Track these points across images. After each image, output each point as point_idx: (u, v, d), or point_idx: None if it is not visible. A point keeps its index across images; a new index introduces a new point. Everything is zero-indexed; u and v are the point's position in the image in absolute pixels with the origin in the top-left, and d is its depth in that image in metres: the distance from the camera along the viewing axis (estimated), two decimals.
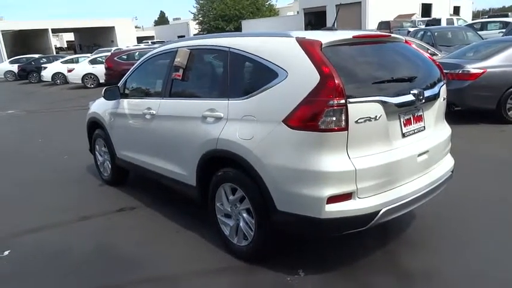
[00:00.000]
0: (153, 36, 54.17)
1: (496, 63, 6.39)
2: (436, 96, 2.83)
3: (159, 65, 3.78)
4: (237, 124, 2.69)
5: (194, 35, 46.90)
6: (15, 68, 24.29)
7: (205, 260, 3.01)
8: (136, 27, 58.39)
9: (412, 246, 3.01)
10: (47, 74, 19.87)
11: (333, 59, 2.38)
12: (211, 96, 3.03)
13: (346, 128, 2.30)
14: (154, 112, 3.54)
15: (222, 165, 2.89)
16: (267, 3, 49.83)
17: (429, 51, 8.41)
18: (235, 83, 2.85)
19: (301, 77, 2.40)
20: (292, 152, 2.39)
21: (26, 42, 42.16)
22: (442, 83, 2.94)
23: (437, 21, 21.43)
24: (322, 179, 2.31)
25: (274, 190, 2.48)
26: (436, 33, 12.12)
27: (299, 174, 2.36)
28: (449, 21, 21.73)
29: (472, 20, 29.16)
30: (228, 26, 45.17)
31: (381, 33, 3.06)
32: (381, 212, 2.40)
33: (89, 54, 22.24)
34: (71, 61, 20.05)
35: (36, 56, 26.22)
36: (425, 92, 2.67)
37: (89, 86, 17.25)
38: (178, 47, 3.42)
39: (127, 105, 4.05)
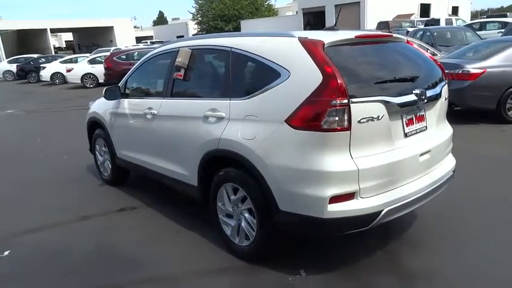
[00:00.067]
0: (152, 36, 54.12)
1: (495, 63, 6.40)
2: (437, 96, 2.83)
3: (160, 65, 3.77)
4: (239, 124, 2.68)
5: (193, 35, 46.87)
6: (13, 67, 24.25)
7: (206, 260, 3.01)
8: (135, 27, 58.35)
9: (413, 246, 3.01)
10: (45, 73, 19.84)
11: (335, 59, 2.38)
12: (213, 96, 3.02)
13: (348, 128, 2.30)
14: (155, 112, 3.53)
15: (224, 165, 2.88)
16: (266, 3, 49.87)
17: (429, 51, 8.42)
18: (237, 82, 2.85)
19: (303, 76, 2.39)
20: (294, 152, 2.38)
21: (24, 42, 42.08)
22: (443, 83, 2.94)
23: (436, 21, 21.47)
24: (324, 178, 2.30)
25: (277, 190, 2.48)
26: (435, 33, 12.14)
27: (301, 174, 2.36)
28: (448, 21, 21.77)
29: (471, 20, 29.24)
30: (227, 26, 45.17)
31: (383, 33, 3.06)
32: (383, 212, 2.40)
33: (88, 54, 22.21)
34: (70, 61, 20.03)
35: (35, 55, 26.17)
36: (427, 92, 2.67)
37: (88, 86, 17.22)
38: (179, 47, 3.41)
39: (128, 105, 4.04)
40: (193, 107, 3.12)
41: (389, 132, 2.50)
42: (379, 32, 3.66)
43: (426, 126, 2.77)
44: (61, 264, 3.11)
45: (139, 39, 46.24)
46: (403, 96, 2.53)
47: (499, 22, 16.79)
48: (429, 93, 2.70)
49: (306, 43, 2.47)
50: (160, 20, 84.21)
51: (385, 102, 2.43)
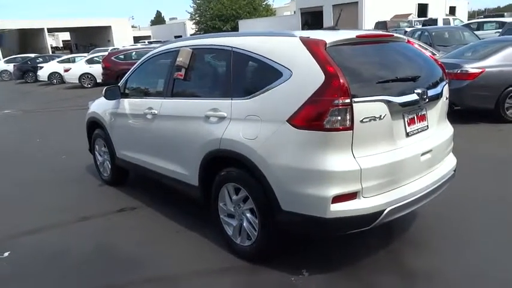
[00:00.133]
0: (150, 36, 54.02)
1: (494, 63, 6.42)
2: (439, 96, 2.83)
3: (160, 64, 3.76)
4: (241, 124, 2.68)
5: (191, 35, 46.81)
6: (10, 67, 24.14)
7: (207, 260, 3.00)
8: (132, 26, 58.27)
9: (414, 245, 3.02)
10: (43, 73, 19.74)
11: (337, 59, 2.38)
12: (214, 96, 3.01)
13: (351, 128, 2.30)
14: (155, 112, 3.52)
15: (225, 165, 2.88)
16: (264, 3, 49.83)
17: (428, 51, 8.43)
18: (238, 82, 2.84)
19: (305, 76, 2.39)
20: (297, 152, 2.38)
21: (21, 41, 41.92)
22: (444, 82, 2.95)
23: (434, 21, 21.53)
24: (327, 178, 2.30)
25: (279, 190, 2.48)
26: (433, 33, 12.18)
27: (304, 173, 2.36)
28: (446, 21, 21.84)
29: (468, 20, 29.33)
30: (225, 25, 45.11)
31: (384, 33, 3.07)
32: (385, 212, 2.40)
33: (85, 54, 22.12)
34: (68, 61, 19.94)
35: (32, 55, 26.07)
36: (428, 91, 2.67)
37: (85, 85, 17.16)
38: (180, 47, 3.40)
39: (128, 105, 4.03)
40: (194, 107, 3.12)
41: (391, 132, 2.50)
42: (380, 32, 3.66)
43: (427, 126, 2.78)
44: (61, 265, 3.10)
45: (137, 39, 46.15)
46: (405, 96, 2.53)
47: (497, 22, 16.86)
48: (430, 92, 2.70)
49: (307, 43, 2.47)
50: (158, 19, 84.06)
51: (387, 102, 2.43)
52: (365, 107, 2.34)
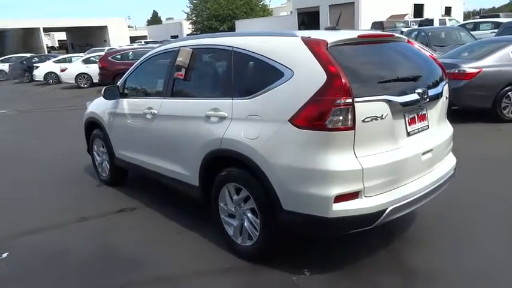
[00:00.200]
0: (146, 36, 53.90)
1: (491, 62, 6.46)
2: (439, 96, 2.85)
3: (159, 64, 3.75)
4: (242, 124, 2.68)
5: (188, 35, 46.75)
6: (6, 67, 24.00)
7: (208, 260, 3.00)
8: (129, 26, 58.06)
9: (415, 245, 3.03)
10: (39, 73, 19.67)
11: (339, 59, 2.38)
12: (214, 96, 3.01)
13: (353, 127, 2.30)
14: (155, 112, 3.51)
15: (226, 165, 2.87)
16: (261, 3, 49.86)
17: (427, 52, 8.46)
18: (239, 82, 2.84)
19: (307, 76, 2.39)
20: (298, 151, 2.38)
21: (17, 41, 41.68)
22: (444, 82, 2.96)
23: (430, 22, 21.62)
24: (329, 178, 2.31)
25: (281, 190, 2.48)
26: (430, 33, 12.23)
27: (306, 173, 2.36)
28: (442, 22, 21.93)
29: (463, 20, 29.48)
30: (221, 26, 45.10)
31: (384, 33, 3.08)
32: (387, 211, 2.41)
33: (82, 54, 22.04)
34: (64, 60, 19.86)
35: (28, 55, 25.92)
36: (429, 91, 2.68)
37: (82, 85, 17.09)
38: (180, 47, 3.39)
39: (127, 105, 4.01)
40: (195, 107, 3.11)
41: (393, 131, 2.51)
42: (381, 32, 3.67)
43: (428, 125, 2.79)
44: (60, 265, 3.08)
45: (133, 39, 46.01)
46: (406, 96, 2.54)
47: (492, 22, 16.95)
48: (431, 92, 2.72)
49: (309, 43, 2.47)
50: (155, 19, 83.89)
51: (389, 102, 2.44)
52: (367, 107, 2.34)
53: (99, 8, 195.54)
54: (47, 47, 47.40)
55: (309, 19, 36.58)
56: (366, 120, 2.34)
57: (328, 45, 2.44)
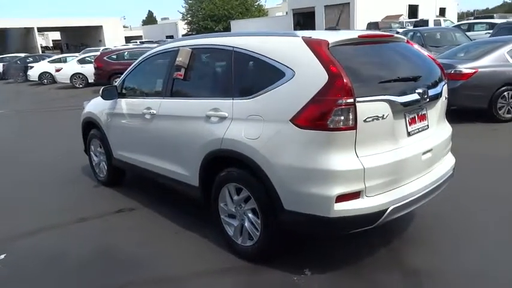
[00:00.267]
0: (141, 36, 53.72)
1: (487, 63, 6.51)
2: (438, 96, 2.86)
3: (158, 64, 3.74)
4: (243, 124, 2.67)
5: (183, 35, 46.66)
6: None
7: (208, 260, 2.99)
8: (124, 26, 57.82)
9: (415, 245, 3.03)
10: (33, 73, 19.53)
11: (340, 59, 2.38)
12: (214, 96, 3.00)
13: (354, 127, 2.31)
14: (154, 112, 3.50)
15: (226, 165, 2.87)
16: (256, 4, 49.87)
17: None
18: (240, 82, 2.84)
19: (308, 76, 2.40)
20: (300, 151, 2.38)
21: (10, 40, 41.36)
22: (443, 82, 2.98)
23: (425, 22, 21.74)
24: (330, 177, 2.31)
25: (282, 189, 2.48)
26: (425, 34, 12.30)
27: (307, 173, 2.36)
28: (437, 22, 22.07)
29: (458, 21, 29.66)
30: (217, 26, 45.05)
31: (384, 33, 3.09)
32: (388, 210, 2.42)
33: (77, 54, 21.91)
34: (59, 60, 19.73)
35: (22, 55, 25.73)
36: (429, 91, 2.70)
37: (77, 86, 16.99)
38: (179, 46, 3.38)
39: (125, 105, 3.99)
40: (195, 107, 3.10)
41: (394, 131, 2.52)
42: (381, 32, 3.69)
43: (428, 125, 2.80)
44: (60, 267, 3.06)
45: (128, 39, 45.82)
46: (406, 96, 2.55)
47: (487, 23, 17.08)
48: (431, 92, 2.73)
49: (310, 43, 2.47)
50: (150, 19, 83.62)
51: (390, 102, 2.44)
52: (368, 107, 2.35)
53: (94, 8, 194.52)
54: (41, 47, 47.05)
55: (304, 20, 36.66)
56: (367, 120, 2.34)
57: (329, 45, 2.44)
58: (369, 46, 2.73)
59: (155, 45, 21.29)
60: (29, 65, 20.75)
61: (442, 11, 37.48)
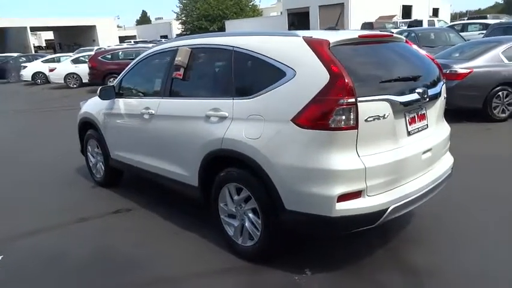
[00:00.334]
0: (135, 36, 53.48)
1: (482, 63, 6.57)
2: (438, 95, 2.88)
3: (157, 64, 3.72)
4: (243, 123, 2.67)
5: (177, 35, 46.52)
6: None
7: (208, 260, 2.98)
8: (118, 26, 57.53)
9: (413, 244, 3.04)
10: (27, 73, 19.33)
11: (341, 58, 2.39)
12: (214, 96, 2.99)
13: (356, 127, 2.31)
14: (153, 112, 3.48)
15: (227, 165, 2.86)
16: (251, 4, 49.89)
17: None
18: (240, 82, 2.83)
19: (310, 76, 2.40)
20: (301, 151, 2.39)
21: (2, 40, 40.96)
22: (442, 82, 3.00)
23: (419, 23, 21.89)
24: (332, 177, 2.31)
25: (283, 189, 2.48)
26: (419, 34, 12.37)
27: (309, 173, 2.36)
28: (431, 23, 22.24)
29: (451, 21, 29.89)
30: (211, 26, 44.99)
31: (384, 33, 3.10)
32: (389, 210, 2.43)
33: (71, 54, 21.73)
34: (52, 60, 19.56)
35: (15, 54, 25.48)
36: (428, 90, 2.71)
37: (71, 86, 16.85)
38: (178, 46, 3.37)
39: (123, 105, 3.97)
40: (194, 107, 3.09)
41: (394, 131, 2.53)
42: (381, 32, 3.70)
43: (427, 125, 2.82)
44: (58, 268, 3.04)
45: (122, 39, 45.61)
46: (406, 95, 2.57)
47: (480, 24, 17.23)
48: (430, 92, 2.75)
49: (311, 42, 2.47)
50: (144, 19, 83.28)
51: (390, 101, 2.45)
52: (369, 107, 2.36)
53: (88, 7, 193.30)
54: (34, 47, 46.65)
55: (298, 20, 36.72)
56: (368, 119, 2.35)
57: (330, 45, 2.45)
58: (369, 46, 2.74)
59: (150, 45, 21.24)
60: (22, 64, 20.54)
61: (436, 12, 37.77)
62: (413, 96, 2.60)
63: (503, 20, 18.22)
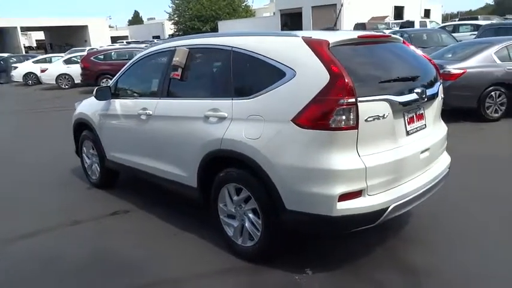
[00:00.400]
0: (127, 36, 53.17)
1: (475, 63, 6.64)
2: (435, 95, 2.91)
3: (154, 64, 3.71)
4: (243, 124, 2.66)
5: (169, 35, 46.36)
6: None
7: (208, 261, 2.97)
8: (109, 26, 57.13)
9: (410, 243, 3.06)
10: (17, 74, 19.12)
11: (341, 59, 2.40)
12: (213, 96, 2.99)
13: (356, 127, 2.33)
14: (150, 112, 3.46)
15: (226, 165, 2.85)
16: (244, 4, 49.86)
17: None
18: (239, 82, 2.83)
19: (310, 76, 2.41)
20: (302, 151, 2.39)
21: None
22: (439, 82, 3.03)
23: (411, 24, 22.06)
24: (333, 177, 2.32)
25: (284, 189, 2.48)
26: (412, 35, 12.46)
27: (310, 172, 2.37)
28: (423, 24, 22.43)
29: (442, 22, 30.18)
30: (204, 26, 44.87)
31: (382, 34, 3.12)
32: (389, 209, 2.44)
33: (62, 54, 21.53)
34: (44, 61, 19.35)
35: (5, 55, 25.17)
36: (427, 90, 2.74)
37: (63, 86, 16.69)
38: (175, 46, 3.35)
39: (119, 105, 3.94)
40: (193, 107, 3.08)
41: (394, 131, 2.55)
42: (379, 33, 3.72)
43: (425, 125, 2.84)
44: (55, 271, 3.00)
45: (114, 39, 45.29)
46: (405, 95, 2.59)
47: (471, 25, 17.44)
48: (428, 92, 2.77)
49: (311, 43, 2.48)
50: (136, 19, 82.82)
51: (390, 101, 2.47)
52: (369, 106, 2.37)
53: (79, 7, 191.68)
54: (24, 47, 46.12)
55: (291, 20, 36.78)
56: (368, 119, 2.37)
57: (330, 45, 2.46)
58: (368, 46, 2.76)
59: (143, 45, 21.06)
60: (12, 65, 20.30)
61: (427, 13, 38.09)
62: (412, 96, 2.62)
63: (494, 21, 18.43)
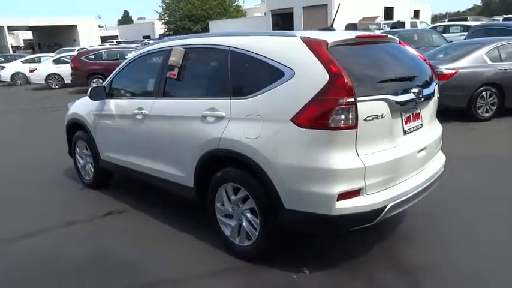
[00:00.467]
0: (117, 36, 52.71)
1: (466, 64, 6.72)
2: (431, 95, 2.94)
3: (150, 64, 3.68)
4: (241, 123, 2.66)
5: (160, 35, 46.08)
6: None
7: (206, 261, 2.96)
8: (99, 26, 56.61)
9: (411, 244, 3.08)
10: (5, 73, 18.81)
11: (339, 58, 2.41)
12: (210, 96, 2.97)
13: (355, 126, 2.34)
14: (146, 112, 3.43)
15: (224, 165, 2.85)
16: (235, 4, 49.80)
17: None
18: (237, 82, 2.82)
19: (309, 76, 2.41)
20: (301, 151, 2.40)
21: None
22: (435, 82, 3.06)
23: (402, 24, 22.26)
24: (332, 176, 2.33)
25: (282, 189, 2.48)
26: (403, 35, 12.55)
27: (308, 172, 2.38)
28: (413, 24, 22.66)
29: (432, 23, 30.53)
30: (195, 26, 44.71)
31: (380, 34, 3.14)
32: (387, 207, 2.46)
33: (52, 54, 21.25)
34: (33, 60, 19.07)
35: None
36: (423, 90, 2.76)
37: (53, 86, 16.48)
38: (171, 46, 3.34)
39: (114, 105, 3.90)
40: (190, 107, 3.06)
41: (391, 130, 2.57)
42: (377, 33, 3.75)
43: (422, 124, 2.87)
44: (51, 273, 2.96)
45: (104, 39, 44.89)
46: (403, 95, 2.61)
47: (461, 25, 17.66)
48: (425, 92, 2.80)
49: (309, 43, 2.49)
50: (126, 19, 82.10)
51: (388, 101, 2.49)
52: (368, 106, 2.39)
53: (68, 7, 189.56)
54: (12, 47, 45.42)
55: (282, 21, 36.85)
56: (367, 119, 2.38)
57: (328, 45, 2.46)
58: (366, 46, 2.77)
59: (133, 45, 20.85)
60: (0, 65, 19.98)
61: (417, 13, 38.49)
62: (409, 96, 2.65)
63: (484, 22, 18.70)
